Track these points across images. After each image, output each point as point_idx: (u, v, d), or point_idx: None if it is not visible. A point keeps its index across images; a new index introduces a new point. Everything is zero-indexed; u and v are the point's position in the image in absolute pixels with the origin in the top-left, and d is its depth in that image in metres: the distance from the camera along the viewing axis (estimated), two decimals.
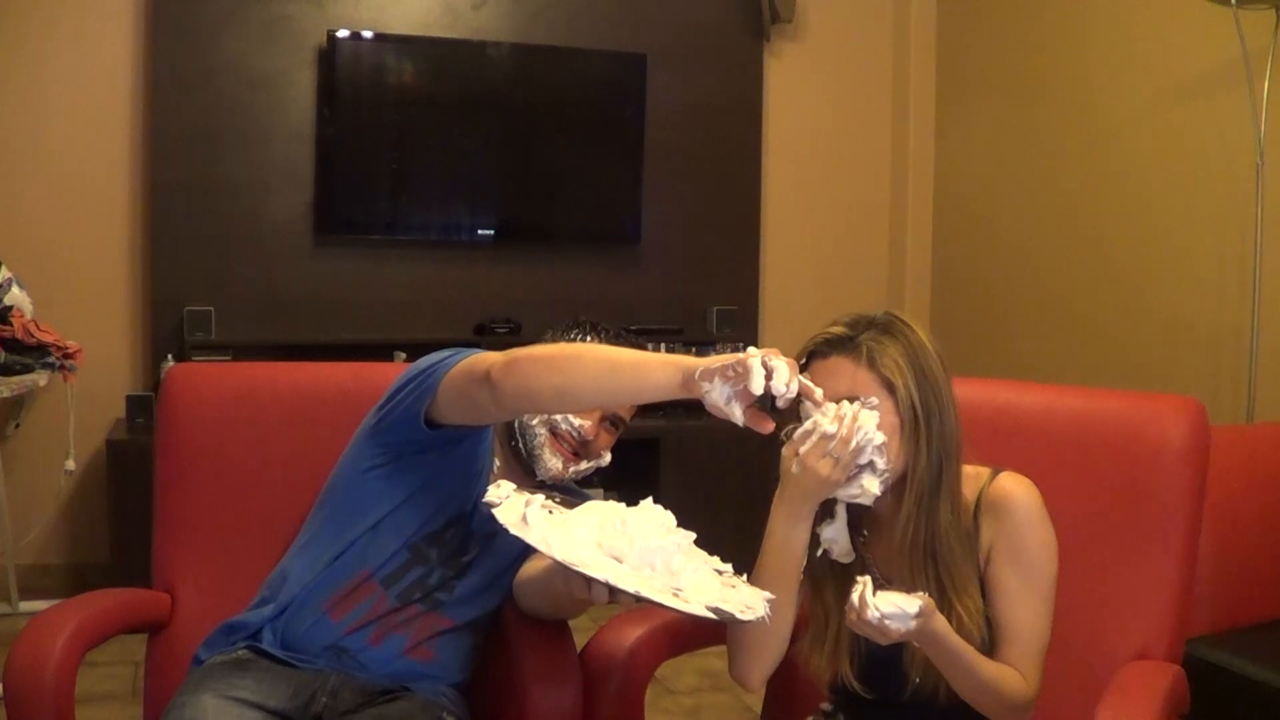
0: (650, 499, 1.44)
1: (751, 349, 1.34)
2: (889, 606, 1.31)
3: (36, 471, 3.87)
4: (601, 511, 1.43)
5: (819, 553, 1.54)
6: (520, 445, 1.80)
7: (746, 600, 1.38)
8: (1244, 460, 2.52)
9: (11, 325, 3.48)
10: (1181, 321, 3.62)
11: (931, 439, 1.47)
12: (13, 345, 3.48)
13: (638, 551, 1.37)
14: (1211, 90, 3.51)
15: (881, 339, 1.49)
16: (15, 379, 3.46)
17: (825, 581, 1.55)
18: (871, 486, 1.44)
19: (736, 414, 1.34)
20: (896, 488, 1.49)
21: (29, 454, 3.89)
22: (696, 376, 1.35)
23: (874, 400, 1.45)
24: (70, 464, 3.74)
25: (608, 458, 1.83)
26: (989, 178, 4.55)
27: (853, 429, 1.41)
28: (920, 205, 4.86)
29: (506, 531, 1.68)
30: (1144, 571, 1.72)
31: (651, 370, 1.41)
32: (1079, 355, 4.05)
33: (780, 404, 1.34)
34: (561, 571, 1.43)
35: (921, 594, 1.34)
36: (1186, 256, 3.61)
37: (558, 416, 1.75)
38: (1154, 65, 3.73)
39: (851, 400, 1.44)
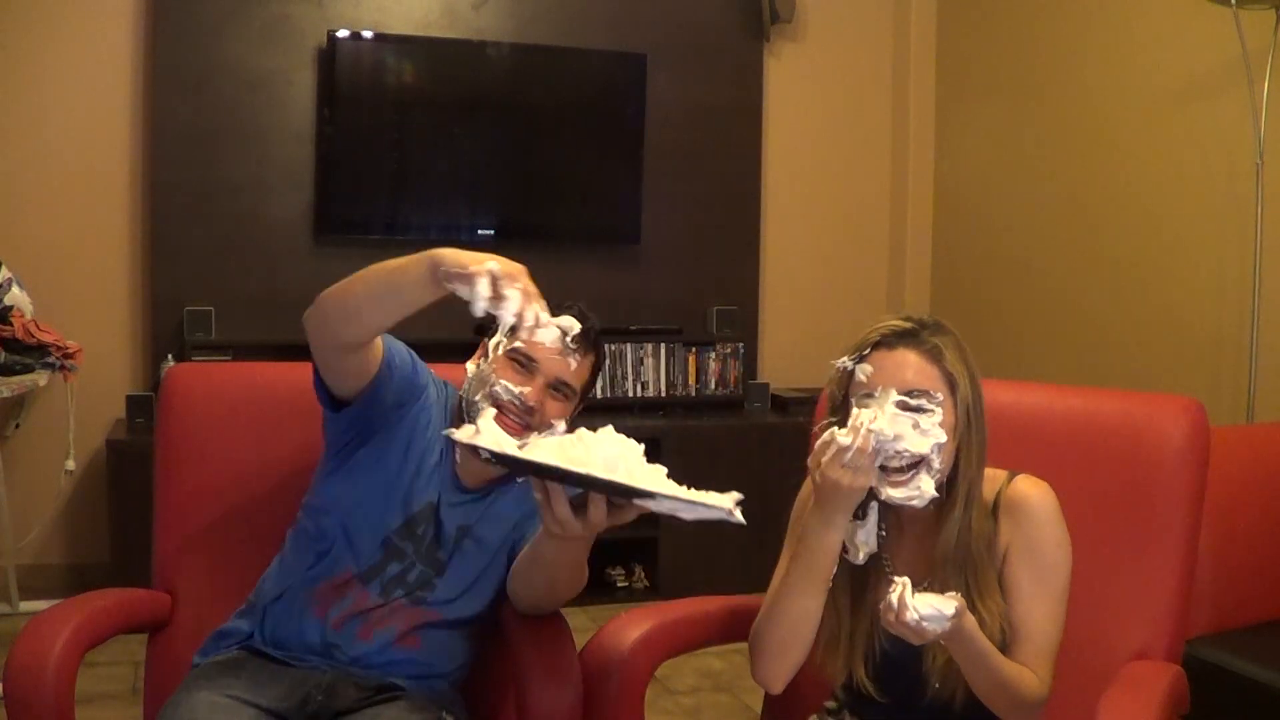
0: (610, 427, 1.41)
1: (491, 260, 1.37)
2: (926, 608, 1.31)
3: (36, 471, 3.87)
4: (559, 439, 1.44)
5: (857, 556, 1.55)
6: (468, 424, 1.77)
7: (718, 500, 1.36)
8: (1244, 460, 2.52)
9: (11, 325, 3.48)
10: (1181, 322, 3.62)
11: (977, 440, 1.50)
12: (13, 345, 3.48)
13: (600, 460, 1.36)
14: (1211, 90, 3.50)
15: (941, 338, 1.51)
16: (15, 379, 3.46)
17: (839, 584, 1.55)
18: (928, 488, 1.46)
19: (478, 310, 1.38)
20: (943, 488, 1.50)
21: (29, 454, 3.89)
22: (440, 275, 1.39)
23: (939, 396, 1.47)
24: (70, 464, 3.74)
25: (561, 427, 1.73)
26: (989, 178, 4.55)
27: (868, 439, 1.41)
28: (920, 205, 4.86)
29: (481, 524, 1.68)
30: (1144, 571, 1.72)
31: (408, 269, 1.46)
32: (1079, 355, 4.05)
33: (519, 336, 1.36)
34: (536, 489, 1.41)
35: (956, 594, 1.35)
36: (1186, 257, 3.61)
37: (499, 388, 1.70)
38: (1154, 66, 3.73)
39: (919, 393, 1.46)
